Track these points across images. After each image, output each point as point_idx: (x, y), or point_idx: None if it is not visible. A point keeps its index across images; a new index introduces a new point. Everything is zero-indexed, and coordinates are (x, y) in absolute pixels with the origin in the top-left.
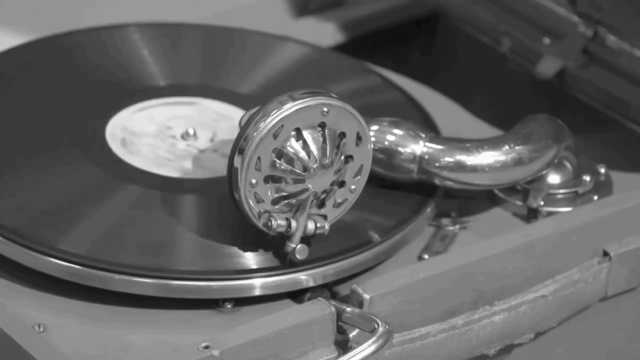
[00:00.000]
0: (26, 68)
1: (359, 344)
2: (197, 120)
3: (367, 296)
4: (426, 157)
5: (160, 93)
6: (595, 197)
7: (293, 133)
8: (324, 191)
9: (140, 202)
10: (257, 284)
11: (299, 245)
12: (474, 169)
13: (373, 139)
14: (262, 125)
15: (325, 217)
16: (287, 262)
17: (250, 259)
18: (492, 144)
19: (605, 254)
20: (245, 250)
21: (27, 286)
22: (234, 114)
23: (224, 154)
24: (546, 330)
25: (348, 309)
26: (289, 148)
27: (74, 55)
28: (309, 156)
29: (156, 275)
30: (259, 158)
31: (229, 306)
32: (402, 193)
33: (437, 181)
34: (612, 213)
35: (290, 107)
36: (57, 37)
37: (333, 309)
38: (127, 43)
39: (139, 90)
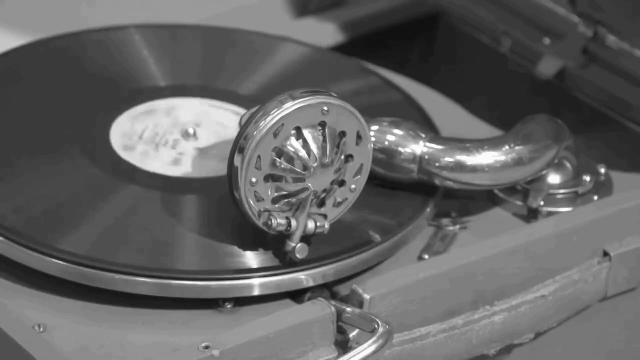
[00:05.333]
0: (27, 69)
1: (359, 344)
2: (198, 120)
3: (367, 296)
4: (426, 157)
5: (161, 94)
6: (595, 197)
7: (293, 132)
8: (324, 190)
9: (140, 202)
10: (257, 284)
11: (298, 244)
12: (474, 169)
13: (373, 139)
14: (262, 124)
15: (325, 216)
16: (287, 262)
17: (250, 259)
18: (492, 144)
19: (605, 254)
20: (245, 249)
21: (27, 286)
22: (234, 114)
23: (224, 154)
24: (546, 330)
25: (348, 309)
26: (289, 147)
27: (75, 56)
28: (309, 155)
29: (156, 275)
30: (259, 157)
31: (228, 306)
32: (402, 193)
33: (437, 181)
34: (612, 213)
35: (290, 106)
36: (57, 39)
37: (333, 309)
38: (128, 44)
39: (140, 91)
